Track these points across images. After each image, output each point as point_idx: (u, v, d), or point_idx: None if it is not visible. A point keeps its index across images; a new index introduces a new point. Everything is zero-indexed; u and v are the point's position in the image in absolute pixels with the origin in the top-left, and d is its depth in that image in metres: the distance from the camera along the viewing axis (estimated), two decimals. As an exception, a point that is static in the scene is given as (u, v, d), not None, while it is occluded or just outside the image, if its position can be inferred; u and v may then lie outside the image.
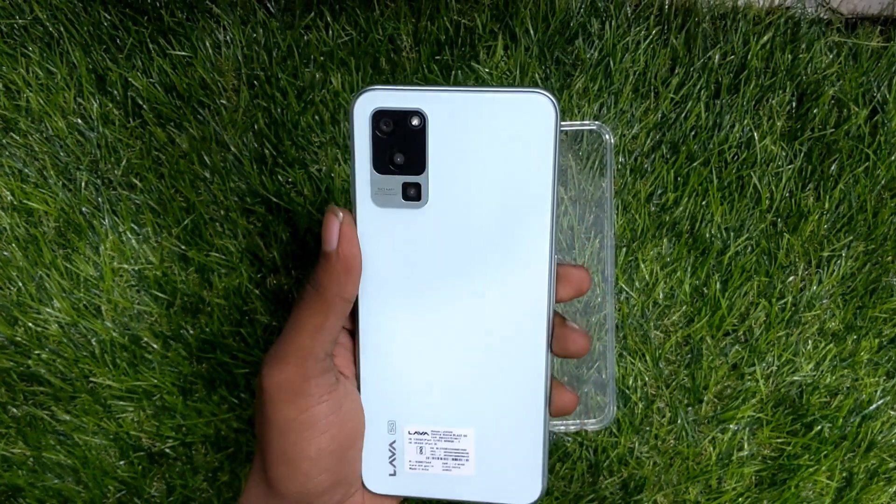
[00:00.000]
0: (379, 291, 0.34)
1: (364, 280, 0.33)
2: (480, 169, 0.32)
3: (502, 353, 0.35)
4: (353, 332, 0.35)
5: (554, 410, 0.36)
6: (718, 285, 0.68)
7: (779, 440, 0.68)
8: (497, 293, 0.34)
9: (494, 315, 0.34)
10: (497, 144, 0.32)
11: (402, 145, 0.32)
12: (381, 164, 0.32)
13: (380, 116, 0.31)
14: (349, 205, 0.34)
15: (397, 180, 0.32)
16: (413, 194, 0.32)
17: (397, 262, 0.33)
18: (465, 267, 0.33)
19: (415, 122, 0.31)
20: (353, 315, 0.34)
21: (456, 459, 0.36)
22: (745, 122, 0.68)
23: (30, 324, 0.68)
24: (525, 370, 0.35)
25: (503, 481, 0.36)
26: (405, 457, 0.36)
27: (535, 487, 0.36)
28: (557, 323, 0.35)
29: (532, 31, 0.68)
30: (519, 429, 0.36)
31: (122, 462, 0.69)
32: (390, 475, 0.36)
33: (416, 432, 0.36)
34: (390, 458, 0.36)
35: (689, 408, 0.69)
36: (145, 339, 0.68)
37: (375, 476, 0.36)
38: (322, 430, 0.32)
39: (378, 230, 0.33)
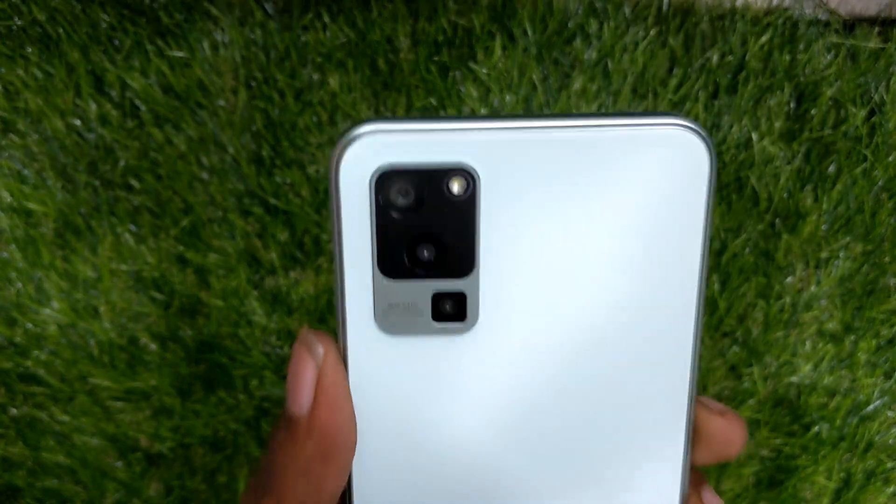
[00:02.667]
0: (390, 479, 0.20)
1: (361, 456, 0.20)
2: (568, 257, 0.19)
3: None
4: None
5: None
6: (717, 286, 0.68)
7: (777, 441, 0.68)
8: (603, 451, 0.20)
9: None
10: (598, 213, 0.19)
11: (432, 229, 0.18)
12: (395, 263, 0.18)
13: (390, 182, 0.18)
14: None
15: (423, 289, 0.19)
16: (452, 310, 0.19)
17: (420, 424, 0.20)
18: (542, 423, 0.20)
19: (455, 188, 0.18)
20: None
21: None
22: (744, 122, 0.68)
23: (28, 324, 0.68)
24: None
25: None
26: None
27: None
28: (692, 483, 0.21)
29: (530, 32, 0.68)
30: None
31: (120, 463, 0.69)
32: None
33: None
34: None
35: (688, 408, 0.69)
36: (143, 340, 0.68)
37: None
38: None
39: (386, 374, 0.19)
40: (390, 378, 0.19)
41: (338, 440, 0.18)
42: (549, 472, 0.20)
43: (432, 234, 0.18)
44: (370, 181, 0.18)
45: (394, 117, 0.18)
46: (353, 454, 0.19)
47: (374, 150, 0.17)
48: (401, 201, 0.18)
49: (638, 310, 0.19)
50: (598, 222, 0.18)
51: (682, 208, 0.19)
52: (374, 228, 0.18)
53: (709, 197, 0.18)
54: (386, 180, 0.18)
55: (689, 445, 0.20)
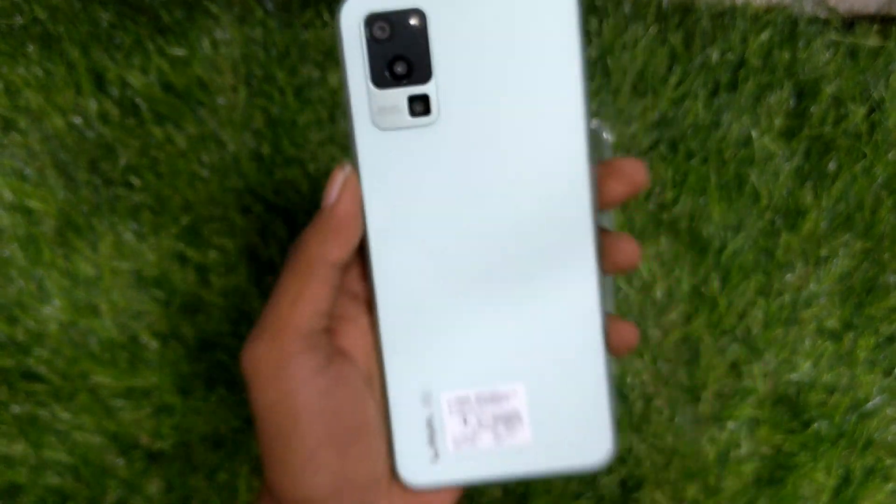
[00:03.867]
0: (394, 234, 0.28)
1: (373, 222, 0.28)
2: (493, 67, 0.27)
3: (544, 284, 0.29)
4: (369, 292, 0.29)
5: (614, 347, 0.29)
6: (717, 284, 0.68)
7: (776, 438, 0.69)
8: (530, 210, 0.28)
9: (530, 236, 0.28)
10: (509, 37, 0.27)
11: (403, 52, 0.27)
12: (380, 77, 0.27)
13: (373, 21, 0.27)
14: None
15: (401, 94, 0.27)
16: (420, 109, 0.27)
17: (411, 193, 0.28)
18: (490, 186, 0.28)
19: (413, 21, 0.27)
20: (367, 271, 0.29)
21: (507, 425, 0.29)
22: (744, 120, 0.68)
23: (30, 322, 0.68)
24: (574, 300, 0.29)
25: (565, 443, 0.29)
26: (447, 433, 0.29)
27: (605, 444, 0.29)
28: (602, 235, 0.29)
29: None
30: (576, 374, 0.29)
31: (121, 460, 0.69)
32: (431, 460, 0.29)
33: (456, 399, 0.29)
34: (429, 438, 0.29)
35: (688, 406, 0.69)
36: (144, 337, 0.68)
37: (412, 465, 0.29)
38: (310, 419, 0.26)
39: (384, 158, 0.27)
40: (386, 160, 0.28)
41: (347, 222, 0.27)
42: (500, 255, 0.28)
43: (402, 55, 0.27)
44: (362, 23, 0.27)
45: None
46: (359, 233, 0.27)
47: (362, 3, 0.26)
48: (381, 34, 0.27)
49: (531, 104, 0.28)
50: (497, 43, 0.27)
51: (556, 27, 0.27)
52: (367, 55, 0.27)
53: (579, 12, 0.27)
54: (371, 20, 0.27)
55: (594, 188, 0.28)
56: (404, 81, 0.27)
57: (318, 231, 0.27)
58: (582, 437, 0.29)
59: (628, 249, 0.29)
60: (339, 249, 0.27)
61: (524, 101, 0.27)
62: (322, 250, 0.27)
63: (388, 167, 0.27)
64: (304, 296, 0.26)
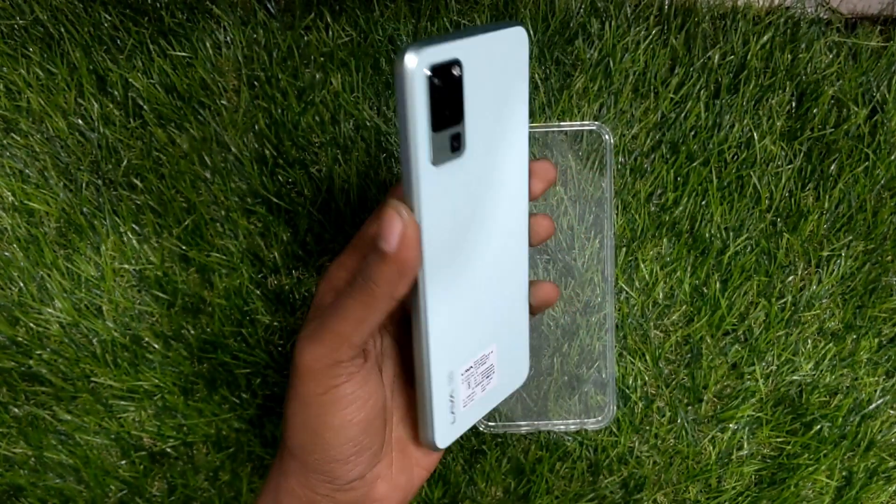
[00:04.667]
0: (440, 252, 0.33)
1: (429, 244, 0.32)
2: (490, 105, 0.33)
3: (505, 266, 0.37)
4: (414, 305, 0.34)
5: (537, 301, 0.39)
6: (718, 285, 0.68)
7: (778, 439, 0.69)
8: (506, 216, 0.35)
9: (504, 237, 0.36)
10: (497, 80, 0.33)
11: (451, 98, 0.31)
12: (438, 121, 0.31)
13: (435, 73, 0.30)
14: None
15: (447, 134, 0.31)
16: (457, 145, 0.32)
17: (451, 216, 0.33)
18: (490, 204, 0.34)
19: (456, 72, 0.31)
20: (416, 289, 0.34)
21: (488, 376, 0.38)
22: (745, 121, 0.68)
23: (31, 324, 0.68)
24: (515, 270, 0.37)
25: (508, 375, 0.40)
26: (459, 398, 0.37)
27: (525, 368, 0.41)
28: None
29: (532, 32, 0.68)
30: (514, 325, 0.39)
31: (123, 461, 0.69)
32: (451, 423, 0.37)
33: (465, 371, 0.37)
34: (451, 407, 0.37)
35: (689, 407, 0.69)
36: (146, 339, 0.68)
37: (443, 432, 0.37)
38: (346, 405, 0.33)
39: (437, 190, 0.32)
40: (439, 191, 0.32)
41: (410, 266, 0.31)
42: (492, 261, 0.36)
43: (451, 101, 0.31)
44: (427, 75, 0.29)
45: (421, 41, 0.31)
46: (416, 275, 0.32)
47: (426, 56, 0.29)
48: (439, 83, 0.30)
49: (500, 130, 0.34)
50: (490, 86, 0.33)
51: (514, 68, 0.34)
52: (429, 103, 0.30)
53: (526, 58, 0.33)
54: (434, 72, 0.30)
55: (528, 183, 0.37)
56: (451, 124, 0.31)
57: (385, 273, 0.31)
58: (516, 369, 0.41)
59: (543, 223, 0.39)
60: (403, 288, 0.32)
61: (498, 130, 0.33)
62: (389, 290, 0.31)
63: (441, 196, 0.32)
64: (366, 321, 0.32)
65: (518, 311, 0.39)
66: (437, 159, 0.31)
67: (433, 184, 0.31)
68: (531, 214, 0.38)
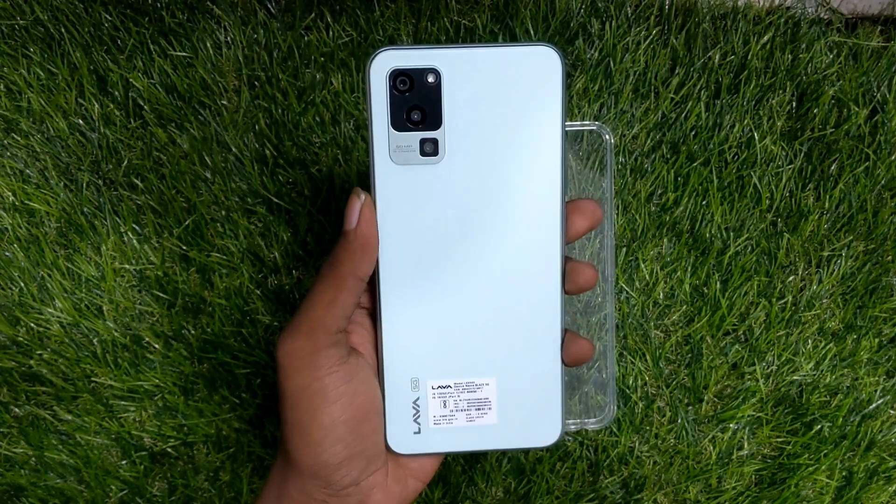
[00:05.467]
0: (399, 249, 0.34)
1: (384, 238, 0.34)
2: (493, 121, 0.33)
3: (520, 299, 0.35)
4: (373, 296, 0.35)
5: (570, 358, 0.37)
6: (718, 285, 0.68)
7: (779, 439, 0.69)
8: (512, 239, 0.35)
9: (511, 261, 0.35)
10: (507, 96, 0.33)
11: (419, 102, 0.33)
12: (399, 122, 0.33)
13: (396, 75, 0.32)
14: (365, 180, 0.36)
15: (414, 137, 0.33)
16: (430, 150, 0.33)
17: (416, 217, 0.34)
18: (481, 217, 0.34)
19: (430, 79, 0.32)
20: (373, 277, 0.34)
21: (479, 409, 0.37)
22: (745, 122, 0.68)
23: (32, 324, 0.68)
24: (541, 312, 0.36)
25: (524, 426, 0.37)
26: (429, 412, 0.36)
27: (556, 429, 0.38)
28: (567, 262, 0.36)
29: (532, 32, 0.68)
30: (537, 371, 0.37)
31: (123, 462, 0.69)
32: (415, 433, 0.37)
33: (439, 386, 0.36)
34: (414, 415, 0.36)
35: (690, 407, 0.69)
36: (147, 339, 0.68)
37: (399, 436, 0.37)
38: (333, 400, 0.33)
39: (397, 188, 0.33)
40: (399, 189, 0.33)
41: (369, 241, 0.33)
42: (486, 271, 0.35)
43: (418, 106, 0.33)
44: (387, 76, 0.32)
45: (399, 45, 0.33)
46: (377, 252, 0.34)
47: (389, 59, 0.32)
48: (402, 87, 0.32)
49: (519, 153, 0.34)
50: (498, 101, 0.33)
51: (544, 93, 0.33)
52: (389, 103, 0.32)
53: (563, 84, 0.33)
54: (395, 75, 0.32)
55: (564, 222, 0.35)
56: (419, 127, 0.33)
57: (346, 250, 0.33)
58: (538, 423, 0.37)
59: (587, 273, 0.36)
60: (366, 266, 0.33)
61: (513, 150, 0.33)
62: (352, 267, 0.33)
63: (400, 194, 0.33)
64: (336, 302, 0.33)
65: (544, 358, 0.36)
66: (400, 158, 0.33)
67: (394, 180, 0.33)
68: (572, 259, 0.36)
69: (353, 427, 0.34)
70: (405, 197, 0.33)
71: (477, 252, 0.35)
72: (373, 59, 0.32)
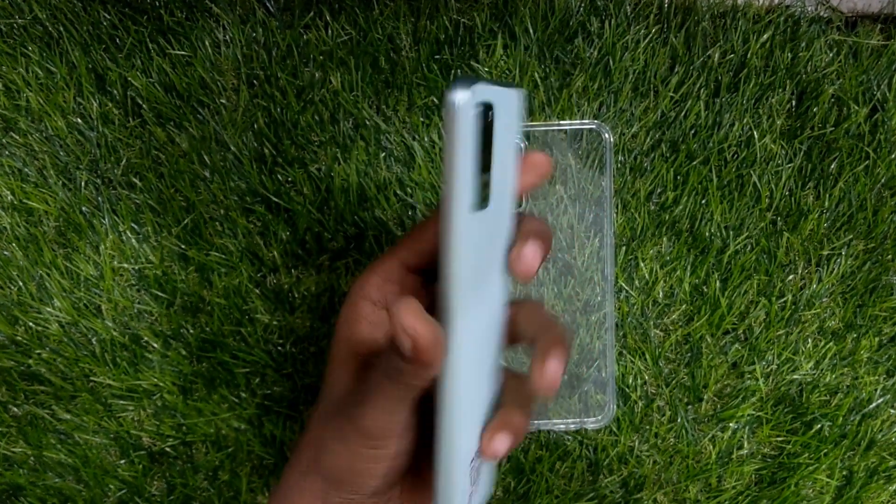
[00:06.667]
0: (465, 317, 0.29)
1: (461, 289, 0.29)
2: (501, 159, 0.29)
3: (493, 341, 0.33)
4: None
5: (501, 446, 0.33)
6: (718, 284, 0.68)
7: (778, 439, 0.68)
8: (497, 280, 0.31)
9: (497, 303, 0.32)
10: (505, 132, 0.29)
11: (485, 141, 0.28)
12: (485, 161, 0.28)
13: (485, 110, 0.27)
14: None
15: (487, 178, 0.28)
16: (486, 194, 0.28)
17: (474, 273, 0.29)
18: (494, 254, 0.31)
19: (490, 116, 0.28)
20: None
21: (479, 474, 0.35)
22: (745, 120, 0.68)
23: (30, 323, 0.68)
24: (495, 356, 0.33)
25: (484, 484, 0.37)
26: (480, 473, 0.34)
27: (492, 485, 0.38)
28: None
29: (531, 30, 0.68)
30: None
31: (122, 461, 0.69)
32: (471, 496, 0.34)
33: (471, 461, 0.33)
34: (473, 480, 0.34)
35: (689, 406, 0.69)
36: (145, 338, 0.68)
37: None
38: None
39: (473, 237, 0.28)
40: (474, 239, 0.28)
41: (435, 358, 0.28)
42: (497, 332, 0.33)
43: (491, 143, 0.28)
44: (478, 111, 0.26)
45: (476, 77, 0.28)
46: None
47: (477, 93, 0.26)
48: (483, 124, 0.27)
49: (505, 198, 0.30)
50: (506, 155, 0.29)
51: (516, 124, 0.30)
52: (478, 141, 0.27)
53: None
54: (484, 110, 0.27)
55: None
56: (486, 168, 0.28)
57: (411, 372, 0.28)
58: (489, 480, 0.37)
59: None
60: (433, 374, 0.29)
61: (505, 192, 0.30)
62: (420, 382, 0.29)
63: (473, 245, 0.28)
64: (390, 418, 0.30)
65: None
66: (478, 204, 0.28)
67: (471, 229, 0.28)
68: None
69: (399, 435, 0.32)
70: (475, 246, 0.28)
71: (493, 299, 0.31)
72: (462, 89, 0.26)
